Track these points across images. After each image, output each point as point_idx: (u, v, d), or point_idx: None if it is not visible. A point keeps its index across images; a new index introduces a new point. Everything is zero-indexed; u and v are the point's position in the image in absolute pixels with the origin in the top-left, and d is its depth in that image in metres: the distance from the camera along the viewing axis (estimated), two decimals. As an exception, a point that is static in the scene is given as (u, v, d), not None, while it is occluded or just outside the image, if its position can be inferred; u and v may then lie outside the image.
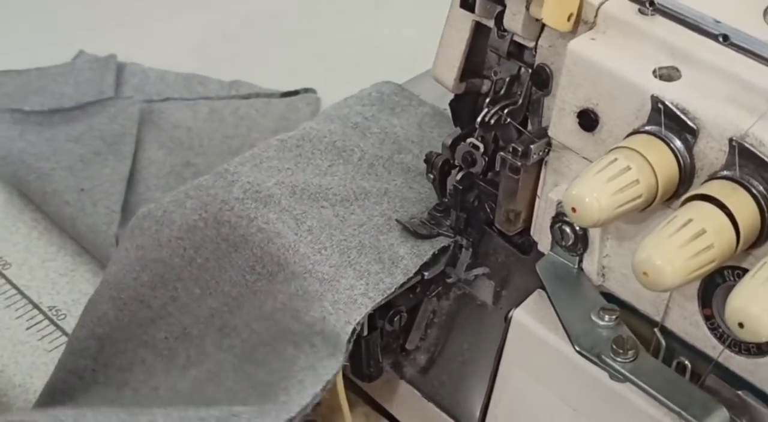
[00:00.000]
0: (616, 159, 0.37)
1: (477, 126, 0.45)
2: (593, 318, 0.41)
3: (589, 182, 0.36)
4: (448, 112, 0.51)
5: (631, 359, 0.40)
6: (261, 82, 0.77)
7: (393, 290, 0.46)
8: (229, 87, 0.76)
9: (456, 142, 0.48)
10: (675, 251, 0.34)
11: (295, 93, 0.76)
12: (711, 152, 0.37)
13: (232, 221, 0.48)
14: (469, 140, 0.47)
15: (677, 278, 0.34)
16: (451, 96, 0.49)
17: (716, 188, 0.36)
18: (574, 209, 0.37)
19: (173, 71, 0.78)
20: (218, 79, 0.77)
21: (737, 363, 0.40)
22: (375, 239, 0.48)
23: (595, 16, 0.40)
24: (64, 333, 0.59)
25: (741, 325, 0.33)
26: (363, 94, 0.56)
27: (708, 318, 0.40)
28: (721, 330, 0.40)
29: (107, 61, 0.76)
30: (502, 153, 0.43)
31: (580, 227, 0.42)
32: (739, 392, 0.39)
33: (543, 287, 0.45)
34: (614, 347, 0.40)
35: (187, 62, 0.79)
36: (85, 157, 0.67)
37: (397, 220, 0.49)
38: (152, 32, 0.83)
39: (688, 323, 0.41)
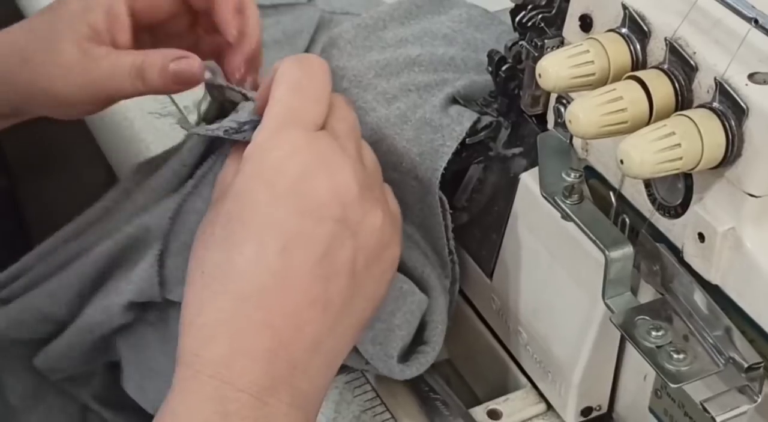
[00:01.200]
0: (581, 44, 0.49)
1: (516, 26, 0.58)
2: (563, 175, 0.54)
3: (554, 57, 0.49)
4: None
5: (576, 202, 0.52)
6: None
7: (462, 135, 0.60)
8: (398, 10, 0.91)
9: (513, 44, 0.61)
10: (595, 108, 0.46)
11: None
12: (657, 50, 0.49)
13: None
14: (521, 43, 0.60)
15: (591, 129, 0.46)
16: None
17: (645, 73, 0.48)
18: (540, 75, 0.49)
19: (361, -8, 0.93)
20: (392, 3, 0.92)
21: (662, 223, 0.51)
22: (445, 106, 0.62)
23: (606, -56, 0.52)
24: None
25: (621, 162, 0.45)
26: (453, 14, 0.69)
27: (647, 186, 0.51)
28: (654, 197, 0.51)
29: (308, -25, 0.93)
30: (525, 43, 0.56)
31: (571, 108, 0.55)
32: (658, 244, 0.51)
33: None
34: (565, 192, 0.52)
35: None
36: (267, 43, 0.83)
37: (455, 97, 0.62)
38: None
39: (635, 190, 0.52)
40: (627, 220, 0.52)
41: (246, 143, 0.53)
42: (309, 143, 0.52)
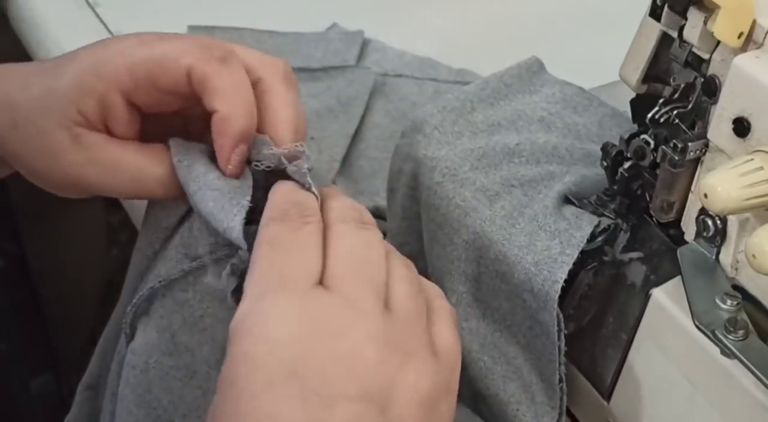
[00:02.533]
0: (752, 159, 0.42)
1: (647, 122, 0.51)
2: (717, 301, 0.47)
3: (723, 175, 0.42)
4: (628, 114, 0.57)
5: (741, 338, 0.45)
6: (486, 74, 0.85)
7: (583, 242, 0.52)
8: (456, 73, 0.84)
9: (632, 137, 0.54)
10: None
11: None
12: (840, 166, 0.42)
13: (436, 203, 0.57)
14: (642, 137, 0.53)
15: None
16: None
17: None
18: (705, 195, 0.42)
19: (410, 53, 0.87)
20: (448, 66, 0.85)
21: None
22: (557, 207, 0.55)
23: (764, 37, 0.46)
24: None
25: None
26: (548, 94, 0.62)
27: (820, 318, 0.45)
28: (830, 331, 0.44)
29: (355, 35, 0.86)
30: (663, 147, 0.49)
31: (721, 222, 0.48)
32: (837, 387, 0.44)
33: (685, 275, 0.51)
34: (727, 326, 0.45)
35: (425, 48, 0.88)
36: (320, 111, 0.76)
37: (566, 196, 0.55)
38: (399, 17, 0.92)
39: (803, 320, 0.45)
40: (795, 355, 0.46)
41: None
42: (300, 310, 0.42)
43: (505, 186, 0.56)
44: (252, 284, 0.43)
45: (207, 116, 0.51)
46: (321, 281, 0.43)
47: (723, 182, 0.42)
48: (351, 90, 0.79)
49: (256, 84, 0.52)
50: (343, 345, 0.41)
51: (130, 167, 0.51)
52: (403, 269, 0.46)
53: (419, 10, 0.94)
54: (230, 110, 0.49)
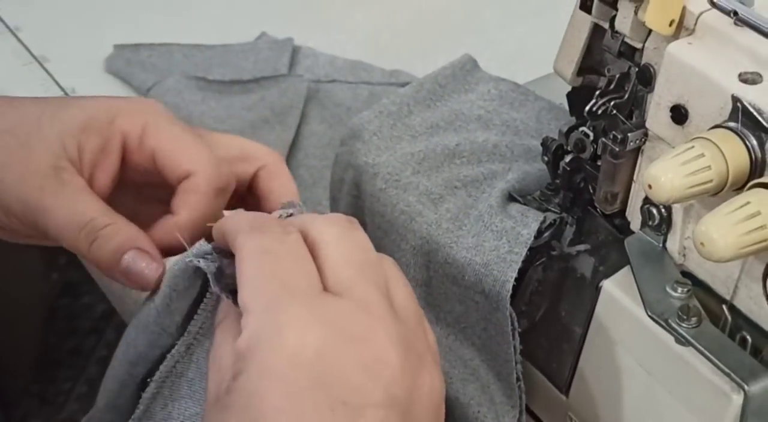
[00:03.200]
0: (693, 147, 0.42)
1: (585, 115, 0.51)
2: (667, 289, 0.47)
3: (666, 164, 0.42)
4: (564, 106, 0.57)
5: (695, 325, 0.45)
6: (420, 73, 0.84)
7: (531, 239, 0.52)
8: (390, 75, 0.84)
9: (570, 130, 0.54)
10: (730, 227, 0.40)
11: (448, 84, 0.83)
12: (780, 148, 0.42)
13: (380, 210, 0.56)
14: (581, 129, 0.53)
15: (729, 251, 0.40)
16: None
17: (775, 179, 0.41)
18: (650, 186, 0.42)
19: (342, 57, 0.86)
20: (381, 67, 0.85)
21: (793, 341, 0.44)
22: (502, 205, 0.54)
23: (695, 23, 0.46)
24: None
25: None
26: (483, 90, 0.62)
27: (769, 296, 0.45)
28: (781, 310, 0.44)
29: (285, 44, 0.85)
30: (603, 139, 0.49)
31: (666, 210, 0.48)
32: (792, 367, 0.44)
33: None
34: (680, 314, 0.45)
35: (356, 50, 0.87)
36: (255, 123, 0.76)
37: (510, 193, 0.55)
38: (327, 21, 0.92)
39: (753, 302, 0.46)
40: (748, 338, 0.46)
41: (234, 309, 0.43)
42: (317, 317, 0.40)
43: (449, 188, 0.56)
44: (254, 299, 0.41)
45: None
46: (325, 288, 0.41)
47: (666, 172, 0.42)
48: (285, 99, 0.78)
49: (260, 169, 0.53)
50: (367, 352, 0.39)
51: (90, 224, 0.48)
52: (397, 271, 0.45)
53: (346, 13, 0.93)
54: None
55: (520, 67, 0.77)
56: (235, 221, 0.44)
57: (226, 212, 0.47)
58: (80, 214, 0.48)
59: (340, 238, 0.43)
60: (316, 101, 0.80)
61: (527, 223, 0.53)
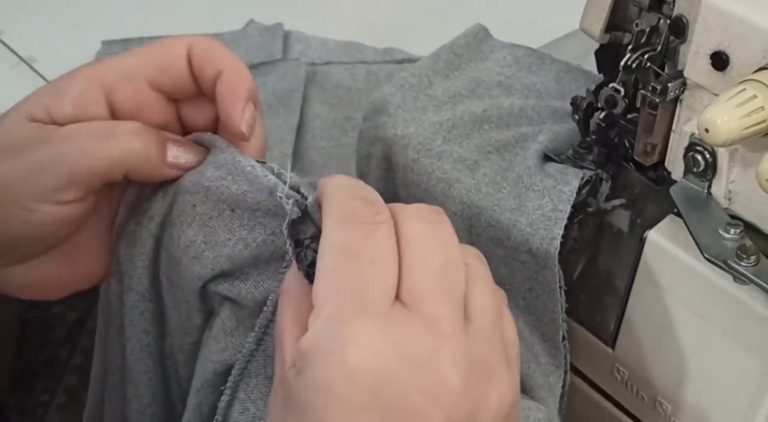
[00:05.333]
0: (744, 89, 0.43)
1: (620, 70, 0.52)
2: (720, 231, 0.48)
3: (721, 108, 0.43)
4: (581, 67, 0.58)
5: (754, 263, 0.46)
6: (412, 50, 0.85)
7: (573, 196, 0.52)
8: (383, 53, 0.84)
9: (599, 87, 0.55)
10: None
11: (443, 59, 0.84)
12: (827, 85, 0.43)
13: (415, 180, 0.56)
14: (611, 85, 0.54)
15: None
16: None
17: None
18: (707, 130, 0.43)
19: (332, 39, 0.86)
20: (373, 46, 0.85)
21: None
22: (539, 165, 0.55)
23: (728, -29, 0.47)
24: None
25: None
26: (498, 58, 0.63)
27: (822, 234, 0.46)
28: (833, 244, 0.46)
29: (275, 29, 0.85)
30: (643, 91, 0.50)
31: (711, 155, 0.49)
32: None
33: (674, 214, 0.52)
34: (738, 253, 0.46)
35: (345, 32, 0.87)
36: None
37: (545, 153, 0.56)
38: (314, 5, 0.92)
39: (803, 238, 0.47)
40: (802, 273, 0.47)
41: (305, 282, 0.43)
42: (382, 335, 0.39)
43: (482, 153, 0.56)
44: (325, 302, 0.40)
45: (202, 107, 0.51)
46: (398, 295, 0.40)
47: (722, 115, 0.43)
48: (285, 84, 0.78)
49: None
50: (429, 376, 0.39)
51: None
52: (479, 267, 0.44)
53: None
54: (238, 65, 0.50)
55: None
56: (333, 200, 0.43)
57: (333, 181, 0.45)
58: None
59: (424, 236, 0.42)
60: (315, 84, 0.80)
61: (568, 180, 0.53)
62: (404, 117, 0.59)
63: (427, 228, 0.42)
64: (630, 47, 0.52)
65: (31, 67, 0.83)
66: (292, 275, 0.44)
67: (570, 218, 0.56)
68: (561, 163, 0.56)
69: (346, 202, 0.43)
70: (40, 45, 0.85)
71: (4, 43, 0.86)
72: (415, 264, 0.41)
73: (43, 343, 1.67)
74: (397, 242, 0.42)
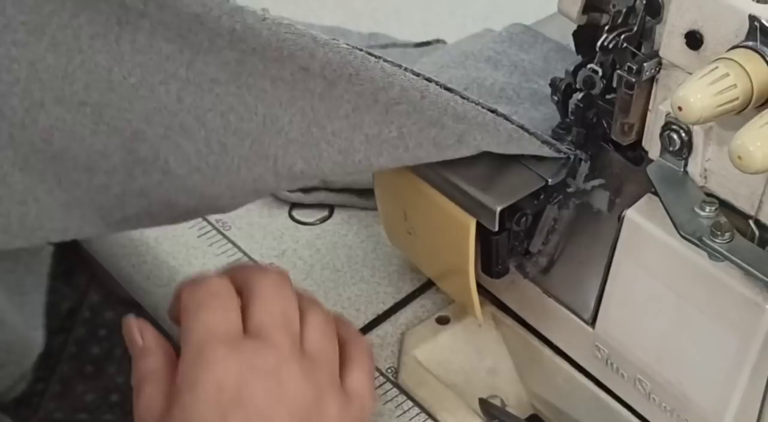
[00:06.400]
0: (717, 67, 0.44)
1: (597, 50, 0.52)
2: (695, 209, 0.48)
3: (694, 86, 0.43)
4: (570, 47, 0.58)
5: (728, 240, 0.47)
6: (397, 35, 0.85)
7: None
8: (369, 38, 0.84)
9: (578, 68, 0.55)
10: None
11: (428, 43, 0.84)
12: (799, 62, 0.44)
13: None
14: (589, 66, 0.54)
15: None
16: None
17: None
18: (680, 108, 0.44)
19: (317, 24, 0.86)
20: (358, 31, 0.86)
21: (820, 248, 0.46)
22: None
23: (702, -49, 0.47)
24: (230, 240, 0.69)
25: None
26: (495, 34, 0.64)
27: (795, 208, 0.47)
28: (806, 220, 0.46)
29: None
30: (619, 71, 0.51)
31: (686, 134, 0.49)
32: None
33: (651, 193, 0.52)
34: (713, 230, 0.47)
35: (330, 17, 0.88)
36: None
37: (526, 130, 0.56)
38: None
39: (778, 215, 0.47)
40: (777, 250, 0.48)
41: None
42: (235, 355, 0.50)
43: None
44: (187, 345, 0.50)
45: None
46: (247, 332, 0.51)
47: (695, 93, 0.43)
48: (270, 69, 0.78)
49: None
50: (274, 382, 0.50)
51: None
52: (318, 322, 0.54)
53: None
54: None
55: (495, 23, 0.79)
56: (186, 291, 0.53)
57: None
58: None
59: (268, 291, 0.53)
60: (301, 68, 0.80)
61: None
62: None
63: (271, 285, 0.53)
64: (607, 28, 0.52)
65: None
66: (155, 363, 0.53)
67: (547, 199, 0.56)
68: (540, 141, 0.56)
69: (197, 281, 0.53)
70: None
71: None
72: (260, 310, 0.52)
73: (36, 333, 1.66)
74: (247, 296, 0.52)
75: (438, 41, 0.84)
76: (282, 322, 0.52)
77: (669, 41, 0.48)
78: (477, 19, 0.87)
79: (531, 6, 0.81)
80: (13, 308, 0.83)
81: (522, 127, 0.53)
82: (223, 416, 0.48)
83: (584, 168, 0.56)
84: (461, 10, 0.89)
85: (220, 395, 0.49)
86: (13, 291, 0.82)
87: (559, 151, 0.54)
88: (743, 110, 0.44)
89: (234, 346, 0.50)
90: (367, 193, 0.69)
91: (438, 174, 0.56)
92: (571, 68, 0.56)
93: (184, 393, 0.49)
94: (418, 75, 0.51)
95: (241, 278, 0.53)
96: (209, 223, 0.70)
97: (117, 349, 1.60)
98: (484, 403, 0.60)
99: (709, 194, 0.50)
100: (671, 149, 0.50)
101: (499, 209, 0.53)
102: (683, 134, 0.49)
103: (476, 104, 0.52)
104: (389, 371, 0.62)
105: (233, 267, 0.56)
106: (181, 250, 0.69)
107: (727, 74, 0.43)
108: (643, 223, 0.52)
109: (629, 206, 0.53)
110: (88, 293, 1.70)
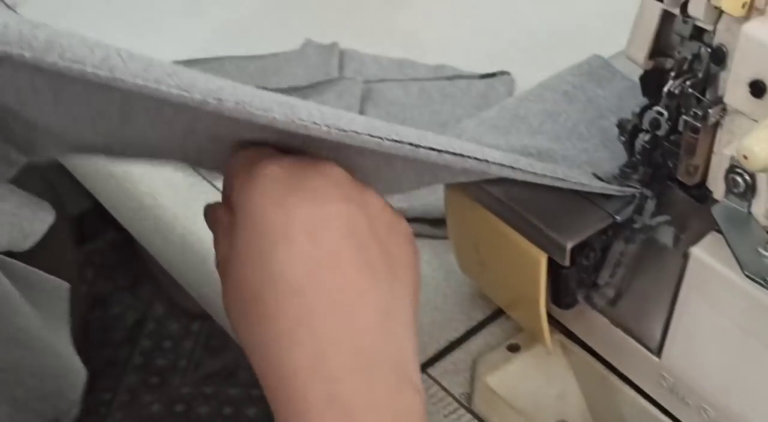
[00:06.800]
0: (781, 118, 0.47)
1: (663, 96, 0.55)
2: (760, 249, 0.51)
3: (759, 135, 0.46)
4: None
5: (792, 281, 0.49)
6: (463, 67, 0.88)
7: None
8: (435, 70, 0.88)
9: (644, 110, 0.58)
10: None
11: (493, 75, 0.87)
12: None
13: None
14: (655, 108, 0.57)
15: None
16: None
17: None
18: (745, 157, 0.46)
19: (385, 56, 0.90)
20: (425, 64, 0.89)
21: None
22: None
23: (765, 5, 0.50)
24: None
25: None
26: (575, 66, 0.66)
27: None
28: None
29: (331, 48, 0.89)
30: (685, 117, 0.53)
31: (750, 178, 0.52)
32: None
33: (716, 230, 0.55)
34: (778, 271, 0.49)
35: (397, 50, 0.91)
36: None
37: (593, 173, 0.59)
38: (368, 24, 0.95)
39: (840, 256, 0.50)
40: (839, 290, 0.50)
41: None
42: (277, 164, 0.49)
43: (524, 153, 0.60)
44: (234, 168, 0.50)
45: None
46: None
47: (760, 143, 0.46)
48: (342, 102, 0.81)
49: None
50: (319, 169, 0.49)
51: None
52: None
53: (383, 14, 0.97)
54: None
55: (559, 54, 0.82)
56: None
57: None
58: None
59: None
60: (371, 101, 0.83)
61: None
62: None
63: None
64: (673, 74, 0.55)
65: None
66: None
67: (615, 235, 0.59)
68: (608, 182, 0.59)
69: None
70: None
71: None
72: None
73: (103, 343, 1.73)
74: None
75: (503, 73, 0.87)
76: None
77: (733, 89, 0.51)
78: (541, 50, 0.90)
79: (595, 36, 0.84)
80: (59, 337, 0.87)
81: (582, 181, 0.56)
82: (277, 195, 0.48)
83: (650, 205, 0.59)
84: (525, 42, 0.92)
85: (273, 183, 0.48)
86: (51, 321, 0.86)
87: (624, 190, 0.57)
88: (806, 157, 0.47)
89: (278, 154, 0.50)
90: (439, 222, 0.72)
91: (510, 210, 0.59)
92: (638, 110, 0.58)
93: (239, 202, 0.49)
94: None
95: None
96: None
97: (182, 360, 1.65)
98: None
99: (774, 235, 0.52)
100: (735, 190, 0.53)
101: (570, 246, 0.56)
102: (747, 178, 0.52)
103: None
104: (462, 396, 0.65)
105: None
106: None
107: (790, 124, 0.46)
108: (709, 260, 0.54)
109: (694, 242, 0.56)
110: (153, 306, 1.75)
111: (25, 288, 0.79)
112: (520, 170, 0.54)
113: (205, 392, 1.61)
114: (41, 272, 0.85)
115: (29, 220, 0.87)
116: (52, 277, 0.87)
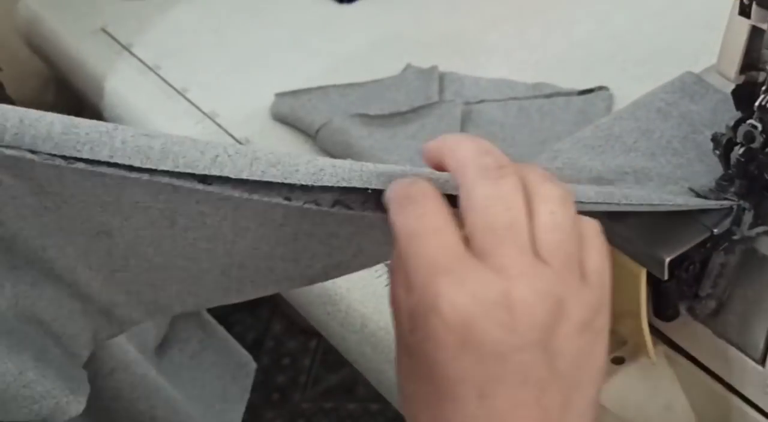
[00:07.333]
0: None
1: (755, 110, 0.56)
2: None
3: None
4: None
5: None
6: (560, 83, 0.90)
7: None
8: (533, 88, 0.90)
9: (737, 123, 0.59)
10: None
11: (591, 91, 0.88)
12: None
13: None
14: (749, 122, 0.58)
15: None
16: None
17: None
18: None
19: (484, 77, 0.92)
20: (523, 82, 0.91)
21: None
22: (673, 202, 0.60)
23: None
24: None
25: None
26: (668, 83, 0.68)
27: None
28: None
29: (431, 72, 0.91)
30: (776, 129, 0.54)
31: (844, 187, 0.53)
32: None
33: (815, 240, 0.56)
34: None
35: (496, 70, 0.93)
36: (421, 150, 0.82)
37: (689, 188, 0.60)
38: (466, 46, 0.98)
39: None
40: None
41: None
42: (460, 286, 0.45)
43: (619, 173, 0.61)
44: (411, 276, 0.46)
45: None
46: (473, 250, 0.45)
47: None
48: (443, 125, 0.84)
49: None
50: (503, 312, 0.45)
51: None
52: (547, 214, 0.47)
53: (480, 35, 0.99)
54: None
55: (656, 67, 0.83)
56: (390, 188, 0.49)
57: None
58: None
59: (480, 196, 0.46)
60: (471, 122, 0.86)
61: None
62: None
63: (488, 182, 0.46)
64: (764, 88, 0.56)
65: (215, 122, 0.92)
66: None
67: (714, 247, 0.60)
68: (704, 197, 0.60)
69: (405, 188, 0.48)
70: (221, 100, 0.94)
71: (189, 101, 0.95)
72: (478, 223, 0.45)
73: (225, 362, 1.77)
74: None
75: (601, 88, 0.88)
76: (506, 236, 0.45)
77: (824, 102, 0.52)
78: (637, 64, 0.91)
79: (690, 48, 0.85)
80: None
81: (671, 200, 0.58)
82: (454, 353, 0.45)
83: (748, 217, 0.59)
84: (621, 55, 0.93)
85: (449, 334, 0.45)
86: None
87: (722, 203, 0.58)
88: None
89: (458, 275, 0.45)
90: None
91: (608, 227, 0.60)
92: (732, 123, 0.59)
93: (417, 329, 0.46)
94: None
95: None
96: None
97: (301, 376, 1.69)
98: None
99: None
100: (830, 201, 0.53)
101: (667, 260, 0.57)
102: (842, 188, 0.53)
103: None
104: (570, 409, 0.67)
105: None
106: (370, 299, 0.75)
107: None
108: (808, 269, 0.55)
109: (794, 252, 0.56)
110: (271, 324, 1.80)
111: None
112: (616, 203, 0.55)
113: (325, 407, 1.65)
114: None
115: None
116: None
